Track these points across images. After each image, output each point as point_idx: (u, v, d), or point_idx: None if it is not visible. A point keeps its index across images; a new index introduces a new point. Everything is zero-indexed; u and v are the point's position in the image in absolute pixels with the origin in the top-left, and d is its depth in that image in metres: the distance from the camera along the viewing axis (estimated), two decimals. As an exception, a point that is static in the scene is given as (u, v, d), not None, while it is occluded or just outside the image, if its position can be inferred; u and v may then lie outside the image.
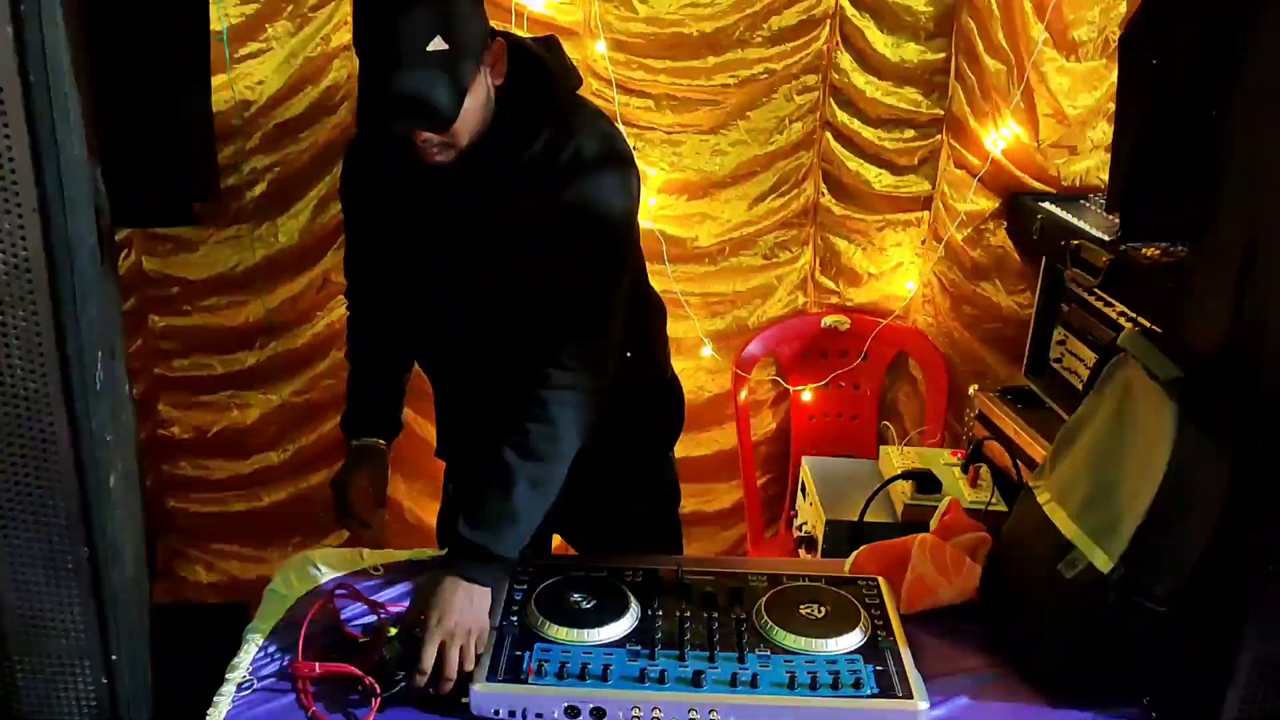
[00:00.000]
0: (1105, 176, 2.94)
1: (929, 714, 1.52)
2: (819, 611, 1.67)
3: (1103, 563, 1.57)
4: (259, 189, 2.82)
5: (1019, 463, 2.70)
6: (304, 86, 2.77)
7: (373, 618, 1.76)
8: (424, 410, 3.03)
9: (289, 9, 2.71)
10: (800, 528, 2.79)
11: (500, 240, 1.69)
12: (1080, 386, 2.70)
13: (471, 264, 1.73)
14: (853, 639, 1.62)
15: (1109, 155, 2.90)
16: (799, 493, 2.89)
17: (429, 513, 3.06)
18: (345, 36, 2.75)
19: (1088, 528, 1.62)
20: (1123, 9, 2.79)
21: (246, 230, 2.84)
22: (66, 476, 1.39)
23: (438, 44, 1.44)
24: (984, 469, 2.63)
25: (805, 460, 2.86)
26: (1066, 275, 2.74)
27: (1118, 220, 2.61)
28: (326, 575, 1.91)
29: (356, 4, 1.58)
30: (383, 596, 1.82)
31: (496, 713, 1.51)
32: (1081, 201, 2.87)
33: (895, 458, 2.72)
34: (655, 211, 2.94)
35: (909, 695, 1.51)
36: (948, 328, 3.11)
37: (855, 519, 2.37)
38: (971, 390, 2.91)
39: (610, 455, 1.79)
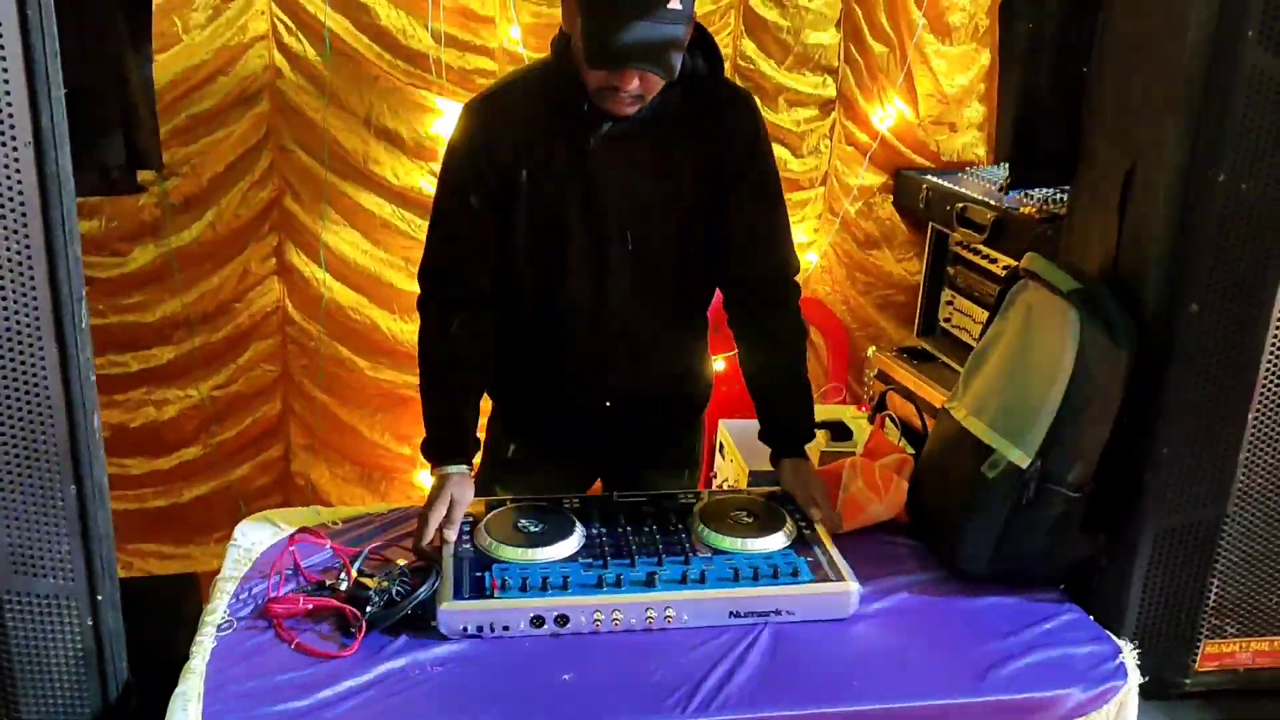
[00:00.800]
0: (981, 152, 3.20)
1: (869, 606, 1.67)
2: (748, 518, 1.80)
3: (1020, 459, 1.73)
4: (173, 182, 2.82)
5: (922, 413, 2.91)
6: (216, 77, 2.79)
7: (332, 562, 1.79)
8: (348, 398, 3.08)
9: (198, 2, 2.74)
10: (723, 485, 2.92)
11: (677, 182, 1.79)
12: (969, 342, 2.94)
13: (640, 210, 1.79)
14: (782, 537, 1.74)
15: (983, 131, 3.17)
16: (717, 453, 3.03)
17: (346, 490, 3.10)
18: (262, 25, 2.79)
19: (1004, 431, 1.78)
20: (987, -2, 3.07)
21: (162, 225, 2.83)
22: (57, 412, 1.42)
23: (675, 3, 1.56)
24: (888, 418, 2.81)
25: (721, 422, 3.00)
26: (952, 239, 2.98)
27: (999, 184, 2.88)
28: (286, 530, 1.94)
29: None
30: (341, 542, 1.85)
31: (464, 629, 1.57)
32: (960, 174, 3.12)
33: (806, 415, 2.87)
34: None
35: (840, 578, 1.65)
36: (844, 295, 3.32)
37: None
38: (870, 351, 3.11)
39: (673, 402, 1.97)
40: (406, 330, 3.02)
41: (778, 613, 1.62)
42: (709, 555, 1.69)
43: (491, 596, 1.58)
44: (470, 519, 1.78)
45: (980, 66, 3.09)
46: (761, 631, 1.60)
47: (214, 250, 2.91)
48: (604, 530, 1.76)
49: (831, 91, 3.11)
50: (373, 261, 2.99)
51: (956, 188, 2.93)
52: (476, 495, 1.85)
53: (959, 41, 3.06)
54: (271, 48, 2.82)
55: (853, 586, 1.64)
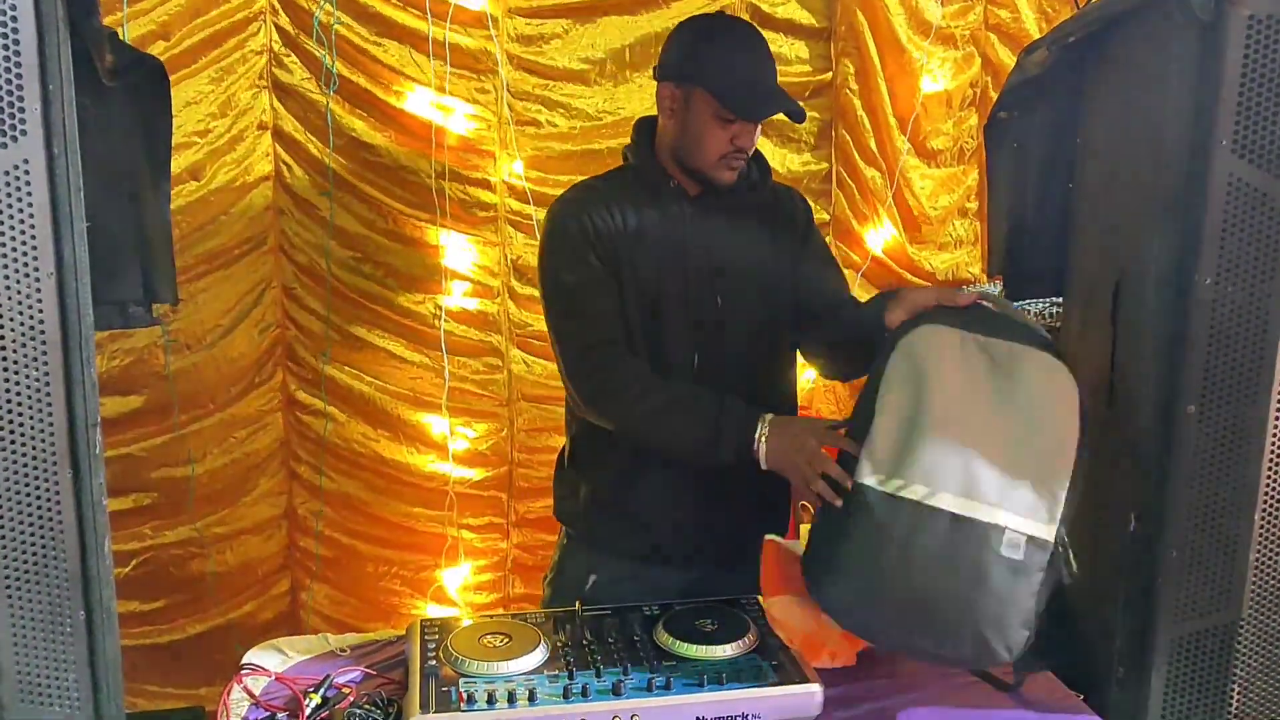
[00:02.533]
0: (975, 270, 3.27)
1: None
2: (711, 625, 1.80)
3: (1043, 530, 1.61)
4: (176, 323, 2.88)
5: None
6: (219, 217, 2.86)
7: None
8: (354, 531, 3.07)
9: (202, 144, 2.82)
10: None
11: (755, 244, 2.01)
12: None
13: (730, 273, 1.97)
14: (745, 643, 1.75)
15: (974, 248, 3.25)
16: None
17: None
18: (266, 166, 2.89)
19: (1009, 503, 1.60)
20: (973, 122, 3.19)
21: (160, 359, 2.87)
22: (70, 537, 1.42)
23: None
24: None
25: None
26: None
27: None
28: (294, 658, 1.92)
29: (724, 32, 1.97)
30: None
31: None
32: (957, 292, 3.17)
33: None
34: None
35: (805, 679, 1.66)
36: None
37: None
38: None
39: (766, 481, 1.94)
40: (413, 462, 3.03)
41: (745, 716, 1.62)
42: (674, 663, 1.70)
43: (459, 710, 1.58)
44: (437, 635, 1.79)
45: (966, 187, 3.19)
46: (730, 736, 1.59)
47: (217, 389, 2.95)
48: (568, 642, 1.77)
49: (823, 214, 3.20)
50: (378, 393, 3.02)
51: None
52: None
53: (944, 164, 3.17)
54: (275, 188, 2.91)
55: (815, 688, 1.65)
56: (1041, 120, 2.11)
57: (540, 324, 2.97)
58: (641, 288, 1.94)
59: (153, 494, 2.96)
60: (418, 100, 2.84)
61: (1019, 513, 1.61)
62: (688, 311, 1.96)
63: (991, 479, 1.60)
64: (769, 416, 1.82)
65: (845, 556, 1.66)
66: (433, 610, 3.13)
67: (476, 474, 3.09)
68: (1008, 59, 3.03)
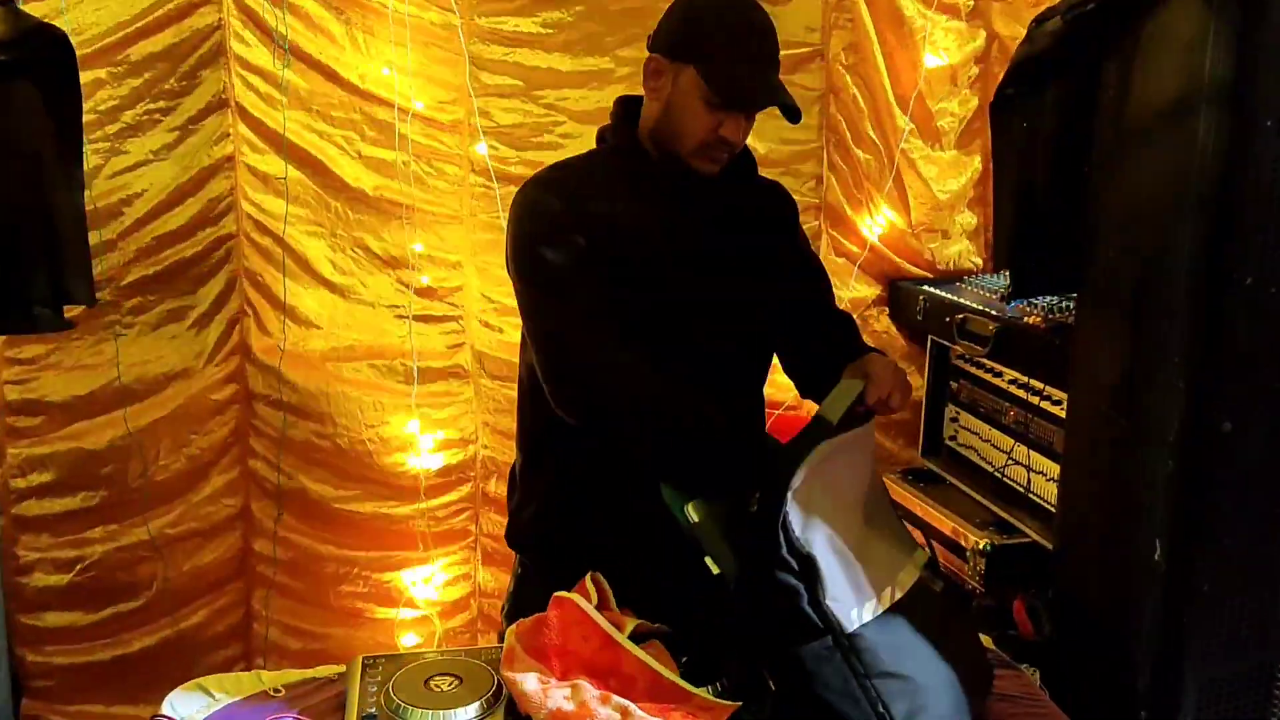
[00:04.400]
0: (977, 260, 3.07)
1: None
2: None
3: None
4: (133, 301, 2.71)
5: (930, 539, 2.70)
6: (184, 199, 2.71)
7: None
8: (324, 533, 2.89)
9: (166, 121, 2.66)
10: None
11: (741, 238, 1.85)
12: (979, 462, 2.76)
13: (719, 266, 1.82)
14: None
15: (978, 238, 3.05)
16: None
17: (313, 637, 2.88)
18: (228, 148, 2.73)
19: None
20: (976, 100, 2.97)
21: (110, 351, 2.70)
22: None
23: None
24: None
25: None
26: (953, 352, 2.82)
27: (1000, 294, 2.74)
28: (222, 701, 1.73)
29: (729, 10, 1.74)
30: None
31: None
32: (958, 283, 2.97)
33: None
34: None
35: None
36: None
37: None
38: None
39: None
40: (378, 455, 2.84)
41: None
42: None
43: None
44: (379, 675, 1.61)
45: (973, 172, 2.98)
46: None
47: (170, 377, 2.77)
48: None
49: (812, 198, 2.99)
50: (337, 383, 2.83)
51: (955, 298, 2.78)
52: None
53: (949, 146, 2.95)
54: (239, 168, 2.74)
55: None
56: (1053, 97, 1.91)
57: (504, 299, 2.81)
58: (619, 278, 1.74)
59: (98, 492, 2.76)
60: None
61: None
62: (666, 305, 1.78)
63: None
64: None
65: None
66: (405, 615, 2.95)
67: (441, 458, 2.92)
68: (1018, 31, 2.80)
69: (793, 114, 1.73)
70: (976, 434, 2.79)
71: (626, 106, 1.84)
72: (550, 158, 2.02)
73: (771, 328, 1.92)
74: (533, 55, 2.81)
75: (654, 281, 1.77)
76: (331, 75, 2.72)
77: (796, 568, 1.43)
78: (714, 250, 1.82)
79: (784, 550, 1.43)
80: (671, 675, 1.55)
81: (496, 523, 2.97)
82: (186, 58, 2.65)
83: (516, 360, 1.94)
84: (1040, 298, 2.61)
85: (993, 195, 2.09)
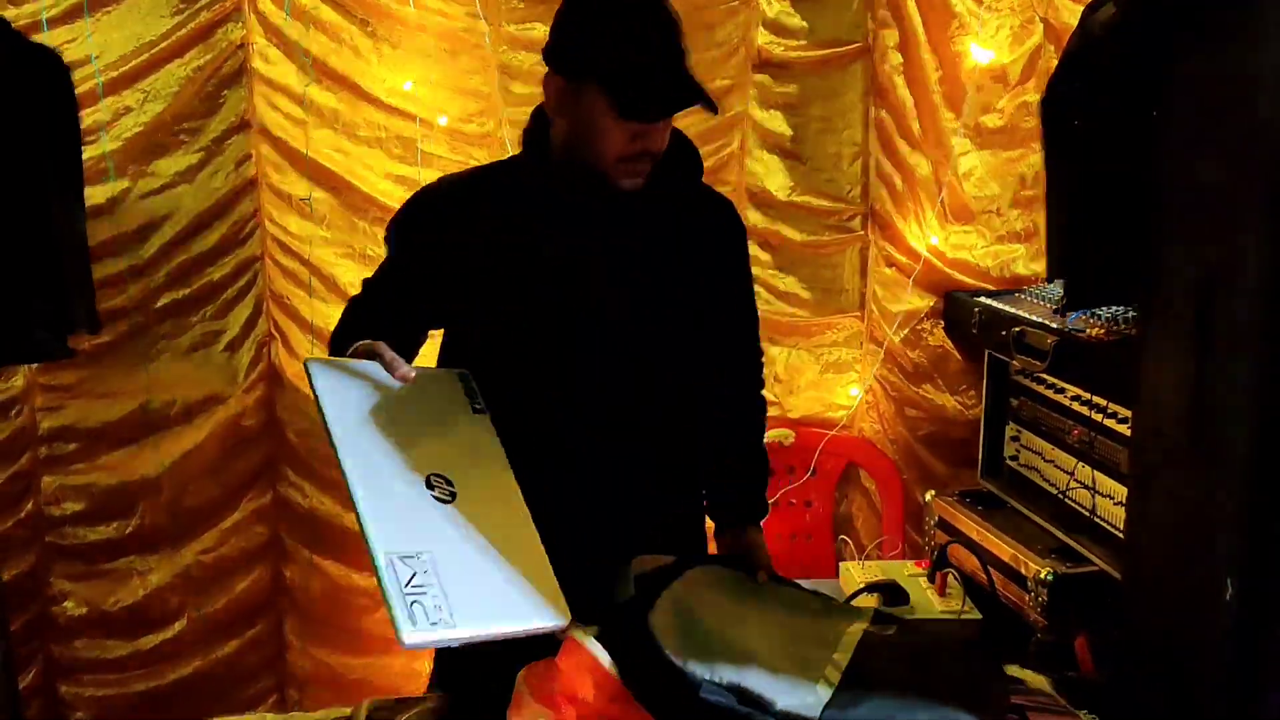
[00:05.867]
0: (1035, 267, 2.89)
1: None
2: None
3: None
4: (164, 326, 2.67)
5: (988, 567, 2.53)
6: (211, 222, 2.67)
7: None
8: (343, 558, 2.83)
9: (191, 142, 2.62)
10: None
11: (667, 268, 1.72)
12: (1041, 483, 2.58)
13: (631, 297, 1.69)
14: None
15: (1029, 244, 2.87)
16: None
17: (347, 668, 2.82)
18: (250, 170, 2.68)
19: None
20: (1030, 99, 2.80)
21: (142, 377, 2.66)
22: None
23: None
24: (951, 576, 2.45)
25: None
26: (1012, 367, 2.65)
27: (1054, 305, 2.56)
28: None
29: (621, 15, 1.59)
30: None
31: None
32: (1017, 294, 2.80)
33: (856, 573, 2.53)
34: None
35: None
36: (893, 433, 2.98)
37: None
38: (928, 496, 2.76)
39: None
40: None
41: None
42: None
43: None
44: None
45: (1020, 173, 2.80)
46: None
47: (202, 402, 2.72)
48: None
49: (859, 207, 2.84)
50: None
51: (1012, 309, 2.61)
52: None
53: (1002, 148, 2.78)
54: (263, 190, 2.70)
55: None
56: (1109, 92, 1.76)
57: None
58: (505, 310, 1.65)
59: (133, 520, 2.72)
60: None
61: None
62: (565, 345, 1.65)
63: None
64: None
65: None
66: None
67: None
68: (1072, 23, 2.63)
69: (710, 107, 1.58)
70: (1039, 454, 2.61)
71: (539, 119, 1.70)
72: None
73: (682, 377, 1.76)
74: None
75: (549, 320, 1.64)
76: (356, 90, 2.66)
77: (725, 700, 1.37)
78: (631, 281, 1.68)
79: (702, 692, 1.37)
80: None
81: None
82: (210, 78, 2.61)
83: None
84: (1103, 309, 2.43)
85: (1045, 200, 1.94)
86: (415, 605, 1.27)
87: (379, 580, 1.29)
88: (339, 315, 2.63)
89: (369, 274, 2.66)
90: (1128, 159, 1.73)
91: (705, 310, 1.76)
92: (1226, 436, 1.40)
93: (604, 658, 1.49)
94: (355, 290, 2.66)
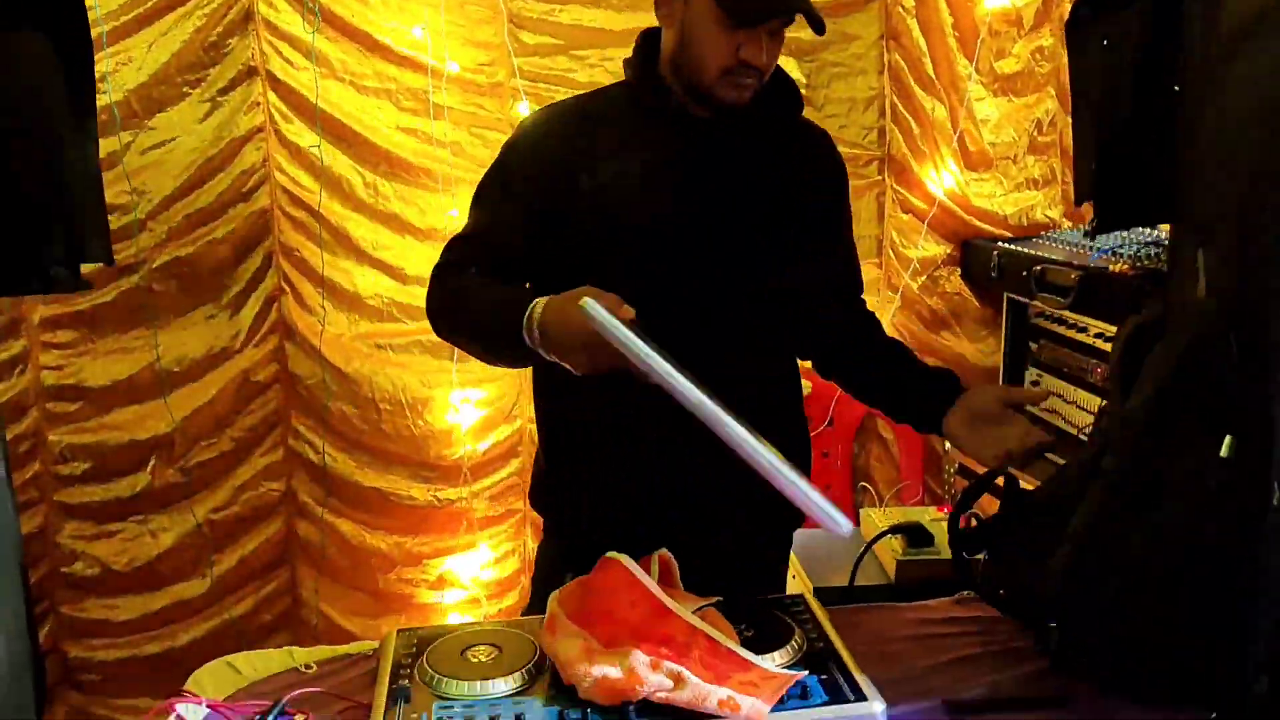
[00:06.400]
0: (1052, 213, 2.87)
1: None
2: (748, 630, 1.48)
3: None
4: (168, 283, 2.63)
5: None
6: (214, 174, 2.62)
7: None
8: (357, 516, 2.80)
9: (195, 94, 2.58)
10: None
11: (775, 196, 1.68)
12: (1063, 426, 2.56)
13: (739, 224, 1.65)
14: (789, 651, 1.43)
15: (1048, 189, 2.85)
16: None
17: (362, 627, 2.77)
18: (258, 118, 2.63)
19: None
20: (1046, 43, 2.78)
21: (147, 334, 2.62)
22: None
23: None
24: (974, 518, 2.42)
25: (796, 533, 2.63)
26: (1032, 310, 2.63)
27: (1085, 229, 2.54)
28: (249, 678, 1.63)
29: None
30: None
31: None
32: (1036, 240, 2.78)
33: (878, 519, 2.50)
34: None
35: (862, 698, 1.34)
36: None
37: (845, 584, 2.14)
38: (947, 444, 2.73)
39: (763, 509, 1.60)
40: (419, 428, 2.74)
41: None
42: None
43: None
44: (414, 648, 1.49)
45: (1035, 119, 2.78)
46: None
47: (210, 358, 2.68)
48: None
49: (876, 151, 2.81)
50: (378, 362, 2.73)
51: (1033, 251, 2.59)
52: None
53: (1019, 93, 2.76)
54: (270, 138, 2.64)
55: (877, 708, 1.33)
56: (1137, 8, 1.73)
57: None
58: (615, 229, 1.60)
59: (140, 478, 2.69)
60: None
61: None
62: (673, 267, 1.61)
63: None
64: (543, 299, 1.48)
65: None
66: (452, 597, 2.84)
67: (489, 440, 2.80)
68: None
69: (817, 23, 1.55)
70: (1060, 395, 2.58)
71: (647, 39, 1.69)
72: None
73: (789, 315, 1.74)
74: (577, 11, 2.68)
75: (659, 240, 1.61)
76: (364, 39, 2.62)
77: None
78: (736, 203, 1.64)
79: None
80: (730, 643, 1.40)
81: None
82: (215, 26, 2.56)
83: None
84: (1127, 246, 2.41)
85: (1072, 122, 1.91)
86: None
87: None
88: (349, 268, 2.65)
89: (380, 228, 2.65)
90: (1155, 77, 1.71)
91: (809, 239, 1.72)
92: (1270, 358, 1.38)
93: (641, 575, 1.47)
94: (368, 245, 2.67)
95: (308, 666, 1.65)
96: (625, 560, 1.48)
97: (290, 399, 2.76)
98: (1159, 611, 1.45)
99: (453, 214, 2.67)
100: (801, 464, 1.75)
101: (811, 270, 1.72)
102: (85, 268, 1.84)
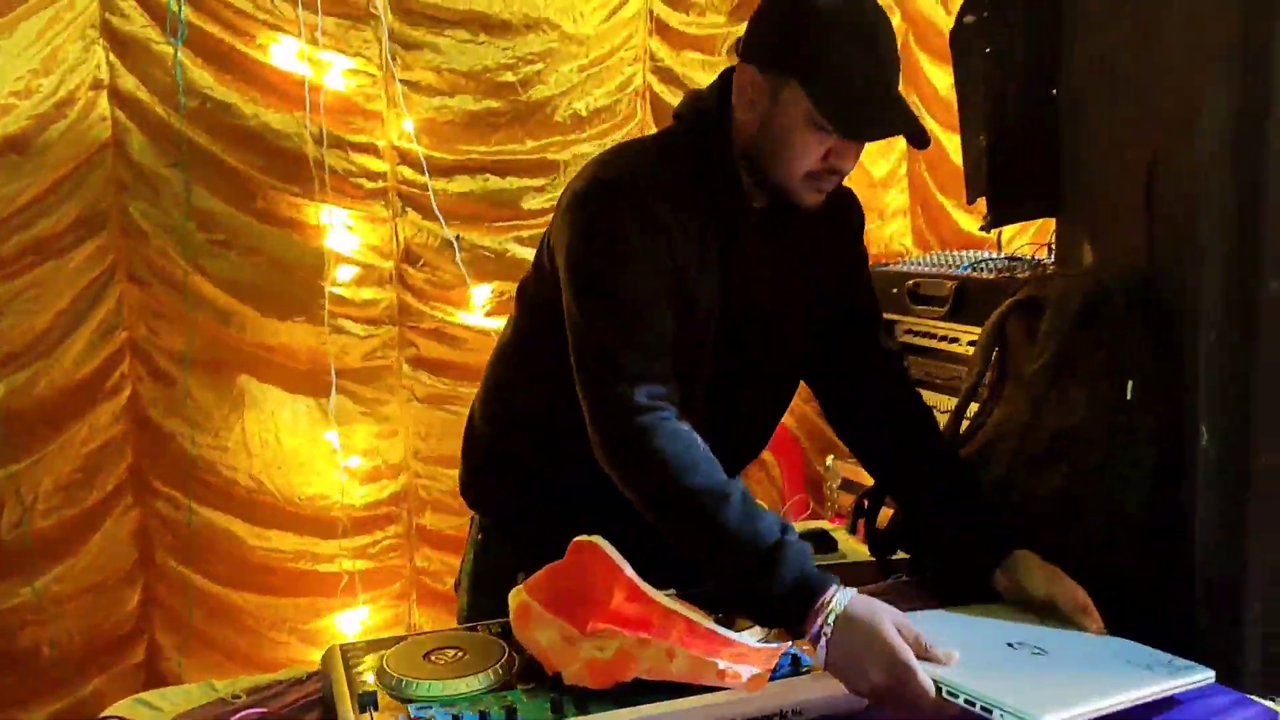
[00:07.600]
0: (907, 243, 3.03)
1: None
2: (717, 615, 1.44)
3: None
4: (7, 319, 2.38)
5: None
6: (48, 197, 2.39)
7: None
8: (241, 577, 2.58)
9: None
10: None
11: (820, 274, 1.64)
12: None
13: (778, 306, 1.61)
14: (762, 631, 1.41)
15: (910, 219, 3.02)
16: (677, 593, 2.62)
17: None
18: (104, 132, 2.43)
19: None
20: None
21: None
22: None
23: None
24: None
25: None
26: (900, 329, 2.74)
27: (981, 225, 2.67)
28: (168, 715, 1.46)
29: (840, 14, 1.46)
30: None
31: None
32: (897, 262, 2.92)
33: (776, 532, 2.53)
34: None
35: None
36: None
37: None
38: (829, 460, 2.81)
39: None
40: (295, 484, 2.56)
41: (784, 714, 1.30)
42: None
43: None
44: (363, 659, 1.38)
45: (900, 151, 2.96)
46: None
47: (52, 410, 2.43)
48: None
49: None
50: (247, 404, 2.56)
51: (901, 269, 2.72)
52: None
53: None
54: (115, 159, 2.45)
55: None
56: (1016, 17, 1.88)
57: (443, 314, 2.58)
58: (688, 320, 1.50)
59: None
60: (284, 52, 2.42)
61: None
62: (718, 341, 1.55)
63: None
64: (840, 609, 1.31)
65: None
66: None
67: (367, 493, 2.65)
68: None
69: (919, 140, 1.46)
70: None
71: (709, 111, 1.54)
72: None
73: (814, 370, 1.73)
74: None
75: (711, 321, 1.53)
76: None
77: None
78: (781, 290, 1.60)
79: None
80: (709, 622, 1.36)
81: (434, 559, 2.73)
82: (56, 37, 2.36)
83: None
84: (986, 263, 2.57)
85: (960, 128, 2.04)
86: None
87: None
88: (214, 299, 2.44)
89: (245, 257, 2.46)
90: (1040, 78, 1.85)
91: (844, 302, 1.69)
92: (1189, 285, 1.49)
93: (619, 559, 1.42)
94: (232, 277, 2.49)
95: (235, 696, 1.50)
96: (601, 543, 1.42)
97: (145, 451, 2.54)
98: (1080, 555, 1.51)
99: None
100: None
101: (841, 316, 1.70)
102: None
